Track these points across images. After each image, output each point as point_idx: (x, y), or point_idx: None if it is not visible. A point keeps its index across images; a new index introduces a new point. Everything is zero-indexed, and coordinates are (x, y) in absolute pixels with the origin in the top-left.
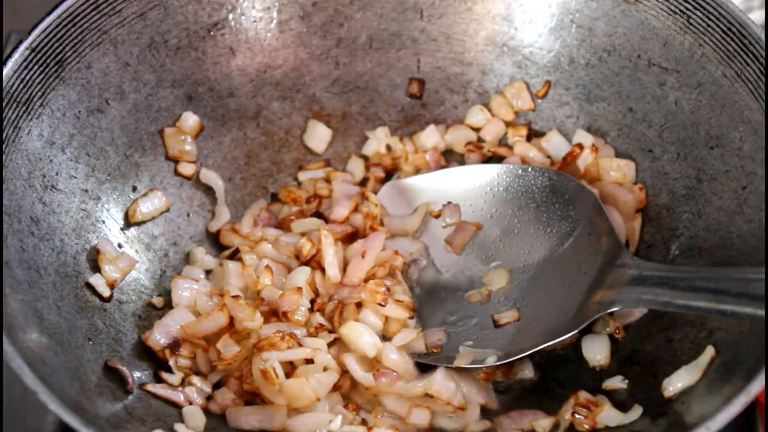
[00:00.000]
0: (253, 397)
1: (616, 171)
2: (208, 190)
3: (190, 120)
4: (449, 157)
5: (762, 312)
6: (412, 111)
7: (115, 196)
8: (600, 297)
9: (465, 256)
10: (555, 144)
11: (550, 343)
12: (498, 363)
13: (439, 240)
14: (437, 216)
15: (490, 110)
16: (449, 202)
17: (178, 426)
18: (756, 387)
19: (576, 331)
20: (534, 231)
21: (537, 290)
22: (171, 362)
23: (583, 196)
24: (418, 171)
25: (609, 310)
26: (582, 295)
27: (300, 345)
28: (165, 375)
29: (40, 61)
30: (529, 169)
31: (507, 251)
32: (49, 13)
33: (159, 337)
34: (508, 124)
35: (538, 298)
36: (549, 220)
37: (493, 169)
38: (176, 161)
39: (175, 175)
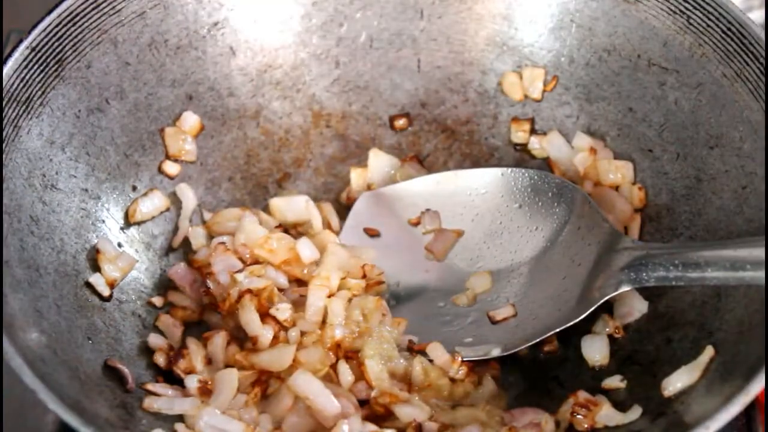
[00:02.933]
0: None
1: (614, 173)
2: (209, 190)
3: (191, 119)
4: (434, 163)
5: None
6: (413, 111)
7: (115, 196)
8: (603, 282)
9: (449, 261)
10: (555, 145)
11: (555, 331)
12: (504, 354)
13: (419, 246)
14: (416, 224)
15: (500, 85)
16: (428, 209)
17: (178, 426)
18: (755, 387)
19: (583, 316)
20: (519, 231)
21: (530, 287)
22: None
23: (567, 192)
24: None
25: (617, 292)
26: (580, 284)
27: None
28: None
29: (40, 61)
30: (509, 171)
31: (492, 253)
32: (49, 13)
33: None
34: (513, 119)
35: (533, 294)
36: (533, 218)
37: (471, 174)
38: (175, 160)
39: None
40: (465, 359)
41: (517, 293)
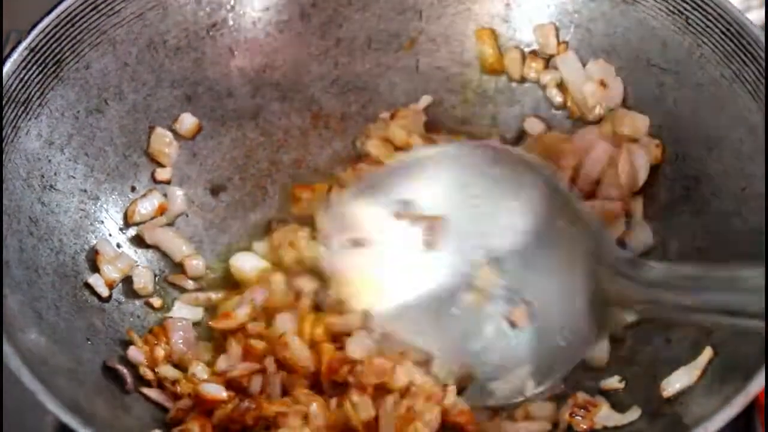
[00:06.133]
0: None
1: (629, 124)
2: (208, 191)
3: (188, 121)
4: None
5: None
6: None
7: (114, 197)
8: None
9: (443, 256)
10: (570, 65)
11: (587, 354)
12: (536, 391)
13: (413, 239)
14: (397, 218)
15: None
16: (401, 199)
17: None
18: (755, 387)
19: (592, 347)
20: (501, 209)
21: (534, 274)
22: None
23: (532, 166)
24: None
25: (626, 322)
26: (587, 267)
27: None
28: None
29: (39, 61)
30: (468, 145)
31: (483, 237)
32: (48, 13)
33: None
34: (531, 53)
35: (542, 285)
36: (513, 194)
37: (431, 153)
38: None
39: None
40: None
41: (524, 284)
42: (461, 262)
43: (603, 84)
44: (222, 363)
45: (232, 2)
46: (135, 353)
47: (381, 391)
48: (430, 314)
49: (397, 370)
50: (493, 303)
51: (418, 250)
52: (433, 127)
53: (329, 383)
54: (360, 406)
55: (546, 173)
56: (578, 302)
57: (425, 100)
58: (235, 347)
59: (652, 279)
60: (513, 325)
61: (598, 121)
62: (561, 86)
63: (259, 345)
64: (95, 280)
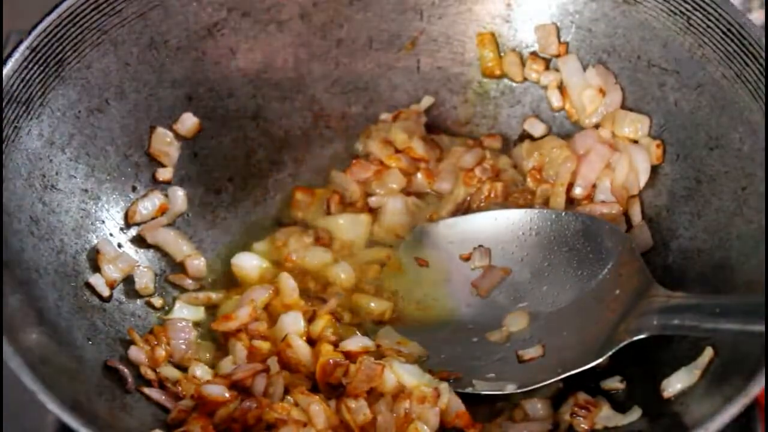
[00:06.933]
0: None
1: (630, 125)
2: (209, 190)
3: (189, 121)
4: None
5: None
6: None
7: (115, 197)
8: (625, 327)
9: (491, 297)
10: (570, 68)
11: (571, 372)
12: (517, 391)
13: (465, 280)
14: (467, 259)
15: (501, 66)
16: (480, 246)
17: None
18: (755, 388)
19: (599, 360)
20: (564, 274)
21: (564, 329)
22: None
23: (615, 239)
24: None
25: (634, 338)
26: (609, 330)
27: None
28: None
29: (40, 61)
30: (563, 214)
31: (534, 294)
32: (49, 13)
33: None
34: (531, 54)
35: (565, 336)
36: (580, 263)
37: (526, 214)
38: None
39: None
40: (480, 392)
41: (550, 334)
42: (500, 310)
43: (602, 91)
44: (226, 365)
45: (232, 2)
46: (136, 353)
47: (376, 393)
48: (450, 335)
49: (385, 373)
50: (512, 341)
51: (467, 291)
52: (434, 128)
53: (325, 385)
54: (356, 410)
55: (622, 247)
56: (592, 345)
57: (427, 101)
58: (240, 350)
59: (683, 303)
60: (520, 360)
61: (596, 125)
62: (561, 88)
63: (264, 346)
64: (96, 280)
